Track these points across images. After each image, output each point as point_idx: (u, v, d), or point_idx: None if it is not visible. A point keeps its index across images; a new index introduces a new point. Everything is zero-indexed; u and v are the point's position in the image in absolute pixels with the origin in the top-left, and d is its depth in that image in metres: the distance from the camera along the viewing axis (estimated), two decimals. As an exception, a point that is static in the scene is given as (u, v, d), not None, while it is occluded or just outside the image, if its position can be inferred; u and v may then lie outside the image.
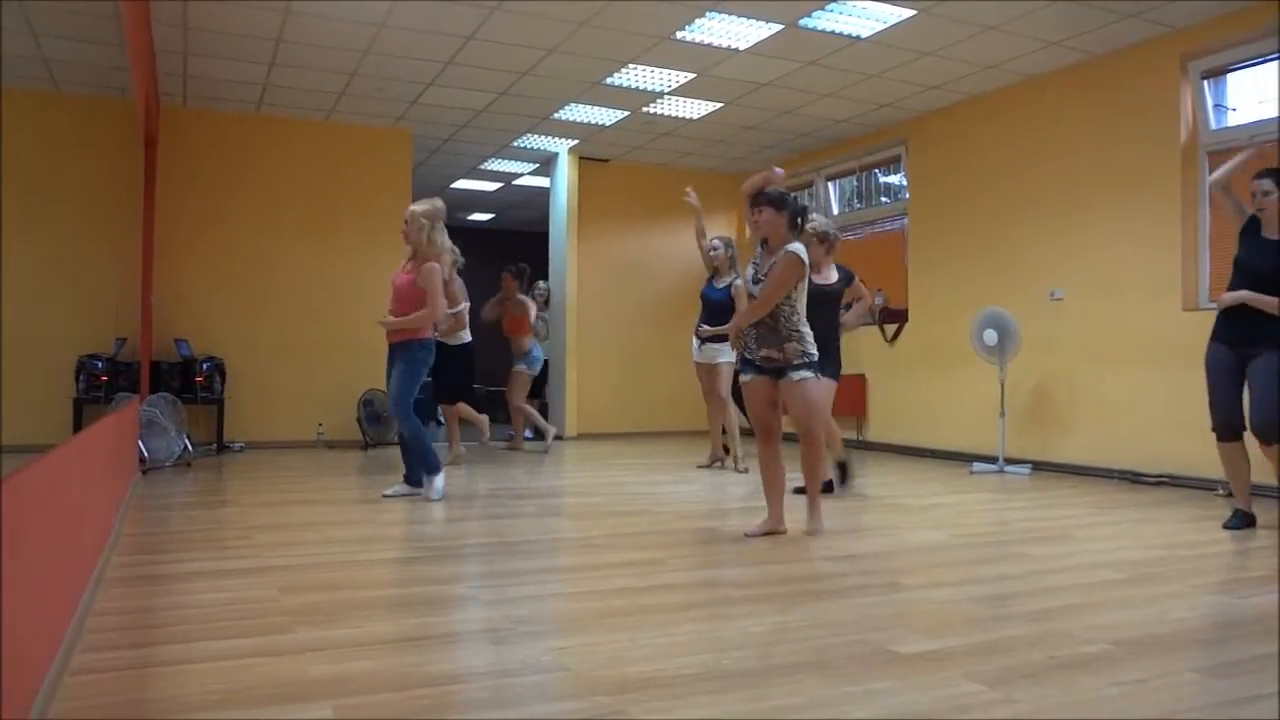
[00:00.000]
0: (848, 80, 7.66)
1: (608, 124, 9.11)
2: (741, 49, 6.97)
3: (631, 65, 7.42)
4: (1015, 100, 7.68)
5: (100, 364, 7.72)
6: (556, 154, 10.44)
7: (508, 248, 12.30)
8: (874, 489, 6.40)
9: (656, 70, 7.54)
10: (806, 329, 4.36)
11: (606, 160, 10.57)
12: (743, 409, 5.61)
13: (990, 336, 7.06)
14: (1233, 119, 6.37)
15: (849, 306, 5.95)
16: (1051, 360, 7.28)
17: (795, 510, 4.61)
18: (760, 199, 4.37)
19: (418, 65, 7.42)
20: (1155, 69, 6.58)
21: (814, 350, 4.37)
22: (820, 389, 4.95)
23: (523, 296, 8.82)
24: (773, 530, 4.39)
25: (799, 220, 4.44)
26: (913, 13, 6.21)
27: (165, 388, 7.74)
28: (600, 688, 2.28)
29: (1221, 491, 5.62)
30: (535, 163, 10.84)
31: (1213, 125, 6.41)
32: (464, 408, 7.64)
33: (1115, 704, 2.22)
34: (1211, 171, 6.24)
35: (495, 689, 2.31)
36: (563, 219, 10.46)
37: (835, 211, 10.05)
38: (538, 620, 2.99)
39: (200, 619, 2.90)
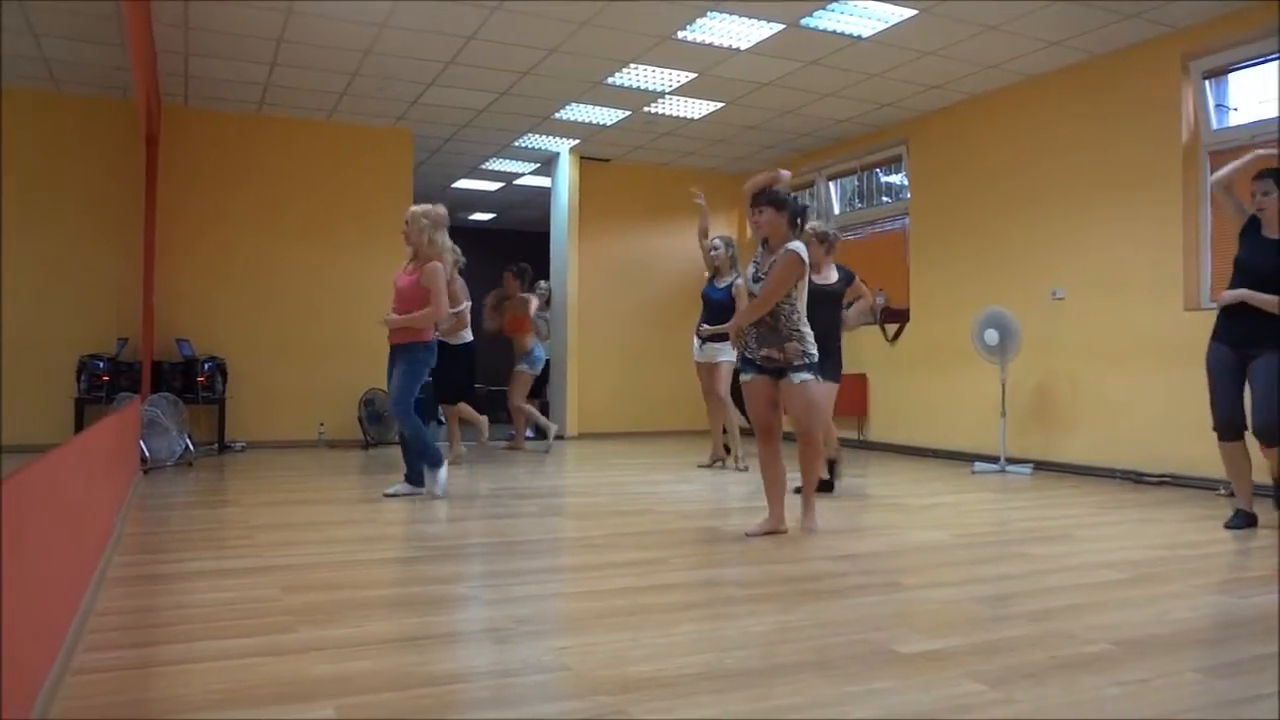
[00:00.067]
0: (849, 80, 7.66)
1: (609, 124, 9.11)
2: (743, 49, 6.97)
3: (633, 65, 7.42)
4: (1016, 100, 7.68)
5: (102, 364, 7.72)
6: (558, 154, 10.44)
7: (509, 247, 12.30)
8: (875, 489, 6.40)
9: (658, 70, 7.54)
10: (807, 328, 4.37)
11: (608, 160, 10.57)
12: (742, 410, 5.63)
13: (991, 336, 7.06)
14: (1234, 119, 6.36)
15: (850, 306, 5.96)
16: (1053, 360, 7.28)
17: (795, 510, 4.61)
18: (760, 199, 4.38)
19: (419, 65, 7.42)
20: (1156, 69, 6.58)
21: (814, 350, 4.38)
22: (821, 391, 4.96)
23: (525, 294, 8.83)
24: (774, 530, 4.39)
25: (799, 220, 4.45)
26: (914, 12, 6.21)
27: (167, 387, 7.74)
28: (602, 687, 2.28)
29: (1223, 491, 5.62)
30: (536, 162, 10.84)
31: (1214, 125, 6.41)
32: (465, 408, 7.64)
33: (1117, 704, 2.22)
34: (1213, 171, 6.25)
35: (497, 688, 2.31)
36: (564, 219, 10.46)
37: (836, 211, 10.05)
38: (539, 620, 2.99)
39: (202, 618, 2.90)
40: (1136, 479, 6.55)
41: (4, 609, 1.65)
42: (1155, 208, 6.60)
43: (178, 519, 4.97)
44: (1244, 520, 4.65)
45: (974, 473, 7.11)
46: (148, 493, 5.75)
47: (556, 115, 8.85)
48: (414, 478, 5.63)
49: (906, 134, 8.85)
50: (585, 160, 10.42)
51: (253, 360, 8.69)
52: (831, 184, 10.10)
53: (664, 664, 2.47)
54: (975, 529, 4.78)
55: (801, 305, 4.36)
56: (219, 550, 4.04)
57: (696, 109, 8.61)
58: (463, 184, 11.98)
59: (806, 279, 4.39)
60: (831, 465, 5.91)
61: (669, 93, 8.13)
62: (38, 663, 2.05)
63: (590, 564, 3.91)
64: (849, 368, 6.13)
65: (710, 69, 7.47)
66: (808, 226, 5.15)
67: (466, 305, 7.21)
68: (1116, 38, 6.59)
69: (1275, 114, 5.95)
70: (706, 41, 6.85)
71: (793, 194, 4.59)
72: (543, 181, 11.35)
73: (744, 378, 4.49)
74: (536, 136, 9.68)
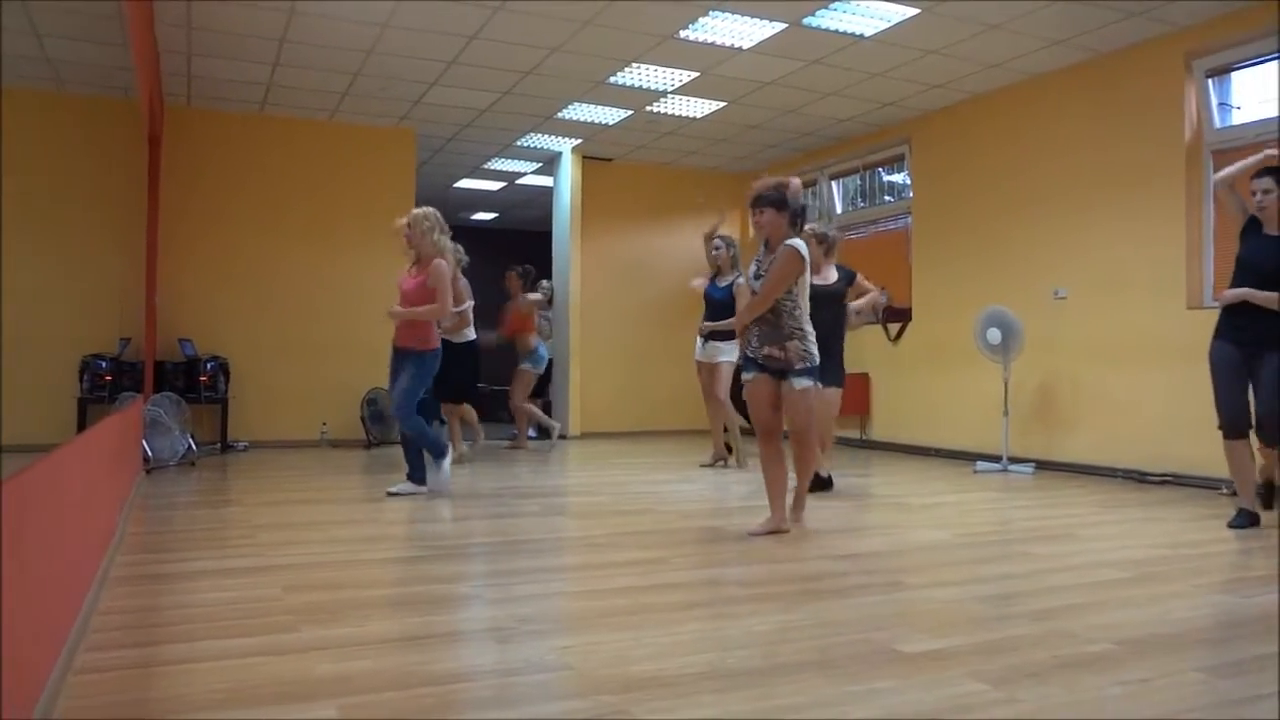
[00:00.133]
0: (851, 79, 7.65)
1: (611, 123, 9.11)
2: (745, 48, 6.97)
3: (635, 64, 7.41)
4: (1019, 99, 7.67)
5: (104, 364, 7.73)
6: (560, 153, 10.44)
7: (511, 247, 12.33)
8: (877, 488, 6.40)
9: (660, 69, 7.54)
10: (809, 327, 4.39)
11: (610, 159, 10.56)
12: (743, 412, 5.65)
13: (994, 335, 7.06)
14: (1237, 117, 6.35)
15: (857, 311, 5.96)
16: (1055, 359, 7.27)
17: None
18: (761, 200, 4.42)
19: (421, 65, 7.42)
20: (1159, 68, 6.57)
21: (815, 350, 4.39)
22: (825, 398, 5.02)
23: (525, 295, 8.83)
24: (776, 529, 4.39)
25: (799, 220, 4.48)
26: (916, 11, 6.21)
27: (169, 387, 7.75)
28: (604, 687, 2.29)
29: (1226, 491, 5.61)
30: (539, 162, 10.84)
31: (1217, 124, 6.40)
32: (467, 409, 7.63)
33: (1119, 703, 2.22)
34: (1216, 170, 6.25)
35: (499, 688, 2.31)
36: (566, 218, 10.46)
37: (839, 210, 10.04)
38: (541, 619, 2.99)
39: (204, 618, 2.91)
40: (1139, 478, 6.55)
41: (6, 608, 1.66)
42: (1158, 207, 6.59)
43: (180, 518, 4.97)
44: (1247, 519, 4.65)
45: (976, 472, 7.10)
46: (150, 492, 5.76)
47: (559, 115, 8.85)
48: (416, 477, 5.64)
49: (909, 133, 8.85)
50: (587, 160, 10.42)
51: (255, 360, 8.70)
52: (834, 183, 10.09)
53: (666, 663, 2.47)
54: (977, 528, 4.78)
55: (803, 303, 4.38)
56: (221, 550, 4.04)
57: (699, 108, 8.60)
58: (465, 183, 11.99)
59: (808, 276, 4.40)
60: (822, 480, 5.91)
61: (671, 92, 8.13)
62: (40, 662, 2.05)
63: (592, 563, 3.91)
64: (851, 367, 6.14)
65: (712, 68, 7.46)
66: (806, 227, 5.18)
67: (470, 304, 7.23)
68: (1119, 37, 6.58)
69: (1277, 113, 5.94)
70: (709, 41, 6.84)
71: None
72: (545, 181, 11.36)
73: (746, 377, 4.50)
74: (539, 136, 9.69)
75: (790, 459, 4.54)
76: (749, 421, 4.76)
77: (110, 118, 8.13)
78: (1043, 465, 7.20)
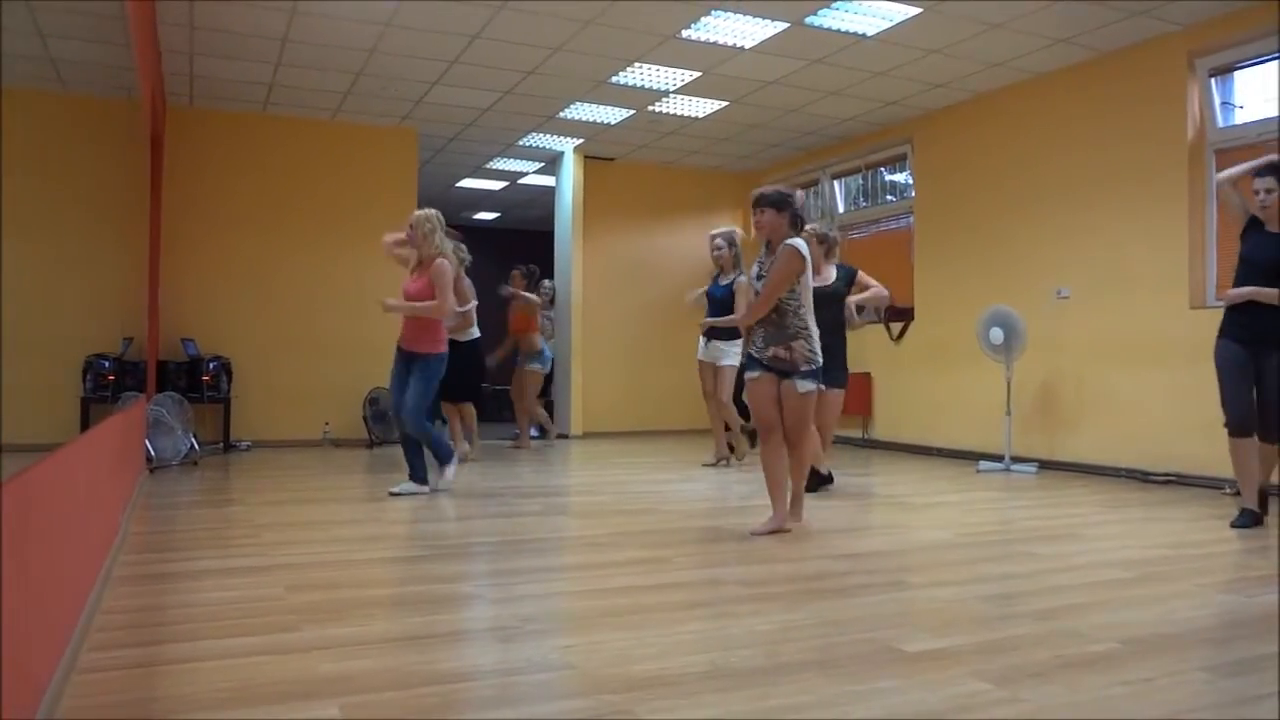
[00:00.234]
0: (853, 78, 7.65)
1: (613, 123, 9.11)
2: (747, 47, 6.96)
3: (637, 64, 7.41)
4: (1021, 98, 7.66)
5: (107, 363, 7.73)
6: (562, 153, 10.44)
7: (513, 247, 12.34)
8: (880, 487, 6.40)
9: (662, 69, 7.53)
10: (814, 327, 4.41)
11: (612, 159, 10.56)
12: (744, 414, 5.67)
13: (996, 335, 7.05)
14: (1240, 116, 6.35)
15: (859, 308, 5.96)
16: (1058, 358, 7.26)
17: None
18: (762, 200, 4.46)
19: (423, 64, 7.42)
20: (1162, 67, 6.56)
21: (819, 351, 4.41)
22: (828, 399, 5.02)
23: (524, 294, 8.82)
24: (778, 528, 4.40)
25: (800, 221, 4.50)
26: (919, 10, 6.20)
27: (172, 387, 7.76)
28: (606, 686, 2.29)
29: (1229, 490, 5.61)
30: (541, 161, 10.84)
31: (1220, 123, 6.39)
32: (469, 411, 7.62)
33: (1122, 703, 2.22)
34: (1219, 169, 6.24)
35: (501, 687, 2.31)
36: (568, 218, 10.47)
37: (841, 210, 10.04)
38: (544, 618, 2.99)
39: (207, 617, 2.91)
40: (1142, 478, 6.54)
41: (10, 608, 1.66)
42: (1160, 206, 6.58)
43: (183, 518, 4.98)
44: (1250, 519, 4.64)
45: (979, 471, 7.10)
46: (153, 492, 5.77)
47: (561, 114, 8.85)
48: (418, 477, 5.64)
49: (911, 132, 8.84)
50: (589, 159, 10.42)
51: (258, 359, 8.71)
52: (836, 182, 10.08)
53: (668, 663, 2.47)
54: (980, 528, 4.77)
55: (807, 302, 4.39)
56: (224, 549, 4.05)
57: (701, 108, 8.60)
58: (467, 183, 11.99)
59: (809, 275, 4.41)
60: (815, 473, 5.91)
61: (673, 92, 8.12)
62: (43, 662, 2.06)
63: (594, 563, 3.91)
64: (853, 366, 6.13)
65: (714, 68, 7.46)
66: (807, 227, 5.18)
67: (474, 304, 7.24)
68: (1122, 35, 6.57)
69: (1277, 113, 5.94)
70: (711, 40, 6.84)
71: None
72: (547, 180, 11.36)
73: (750, 375, 4.51)
74: (541, 135, 9.69)
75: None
76: (748, 423, 4.77)
77: (112, 118, 8.13)
78: (1045, 465, 7.19)
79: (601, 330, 10.50)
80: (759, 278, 4.44)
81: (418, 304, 5.50)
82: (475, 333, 7.32)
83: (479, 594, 3.37)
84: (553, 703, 2.23)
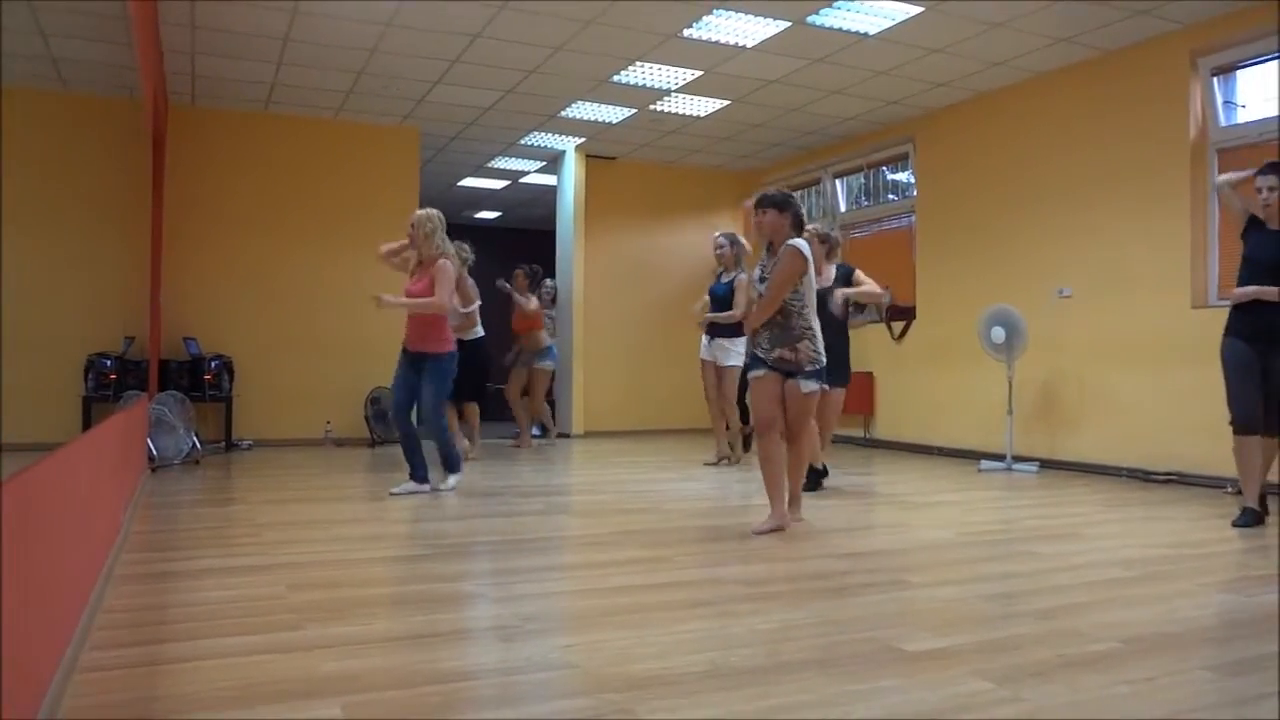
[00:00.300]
0: (855, 77, 7.65)
1: (615, 122, 9.11)
2: (749, 46, 6.96)
3: (639, 63, 7.41)
4: (1023, 97, 7.65)
5: (109, 362, 7.75)
6: (563, 152, 10.45)
7: (514, 246, 12.34)
8: (881, 486, 6.40)
9: (663, 68, 7.53)
10: (817, 327, 4.44)
11: (613, 158, 10.56)
12: (745, 418, 5.68)
13: (998, 334, 7.05)
14: (1242, 115, 6.34)
15: (862, 307, 5.97)
16: (1059, 358, 7.26)
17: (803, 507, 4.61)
18: (764, 201, 4.49)
19: (425, 64, 7.43)
20: (1164, 66, 6.56)
21: (823, 351, 4.43)
22: (828, 400, 5.02)
23: (528, 295, 8.82)
24: (778, 526, 4.40)
25: (801, 222, 4.51)
26: (920, 9, 6.20)
27: (174, 386, 7.77)
28: (608, 685, 2.29)
29: (1230, 489, 5.60)
30: (542, 160, 10.84)
31: (1222, 122, 6.39)
32: (472, 410, 7.62)
33: (1124, 702, 2.21)
34: (1221, 169, 6.25)
35: (503, 686, 2.31)
36: (570, 217, 10.47)
37: (842, 209, 10.03)
38: (545, 617, 2.99)
39: (209, 616, 2.91)
40: (1143, 477, 6.54)
41: (11, 607, 1.66)
42: (1162, 205, 6.58)
43: (185, 517, 4.98)
44: (1252, 518, 4.64)
45: (980, 471, 7.10)
46: (155, 490, 5.77)
47: (562, 113, 8.85)
48: (418, 475, 5.64)
49: (913, 131, 8.83)
50: (591, 158, 10.43)
51: (259, 358, 8.71)
52: (838, 182, 10.08)
53: (669, 662, 2.47)
54: (981, 527, 4.77)
55: (811, 301, 4.41)
56: (226, 548, 4.05)
57: (702, 107, 8.60)
58: (469, 182, 11.99)
59: (812, 275, 4.42)
60: (813, 471, 5.92)
61: (675, 90, 8.12)
62: (44, 660, 2.06)
63: (595, 562, 3.92)
64: (855, 365, 6.14)
65: (716, 67, 7.46)
66: (808, 227, 5.20)
67: (477, 304, 7.24)
68: (1124, 35, 6.57)
69: (1277, 113, 5.95)
70: (712, 39, 6.84)
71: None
72: (549, 179, 11.36)
73: (753, 373, 4.52)
74: (542, 134, 9.69)
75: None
76: (747, 426, 4.78)
77: (114, 117, 8.15)
78: (1047, 464, 7.19)
79: (603, 329, 10.51)
80: (761, 280, 4.45)
81: (415, 300, 5.50)
82: (479, 331, 7.33)
83: (480, 593, 3.37)
84: (554, 702, 2.23)
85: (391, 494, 5.58)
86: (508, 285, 8.81)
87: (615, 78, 7.77)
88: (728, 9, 6.29)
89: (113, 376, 7.71)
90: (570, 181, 10.43)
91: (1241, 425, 4.66)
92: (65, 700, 2.14)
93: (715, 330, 7.18)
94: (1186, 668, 2.47)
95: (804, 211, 4.66)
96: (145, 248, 7.58)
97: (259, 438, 8.64)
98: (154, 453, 6.75)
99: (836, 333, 5.53)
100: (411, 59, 7.32)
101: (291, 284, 8.94)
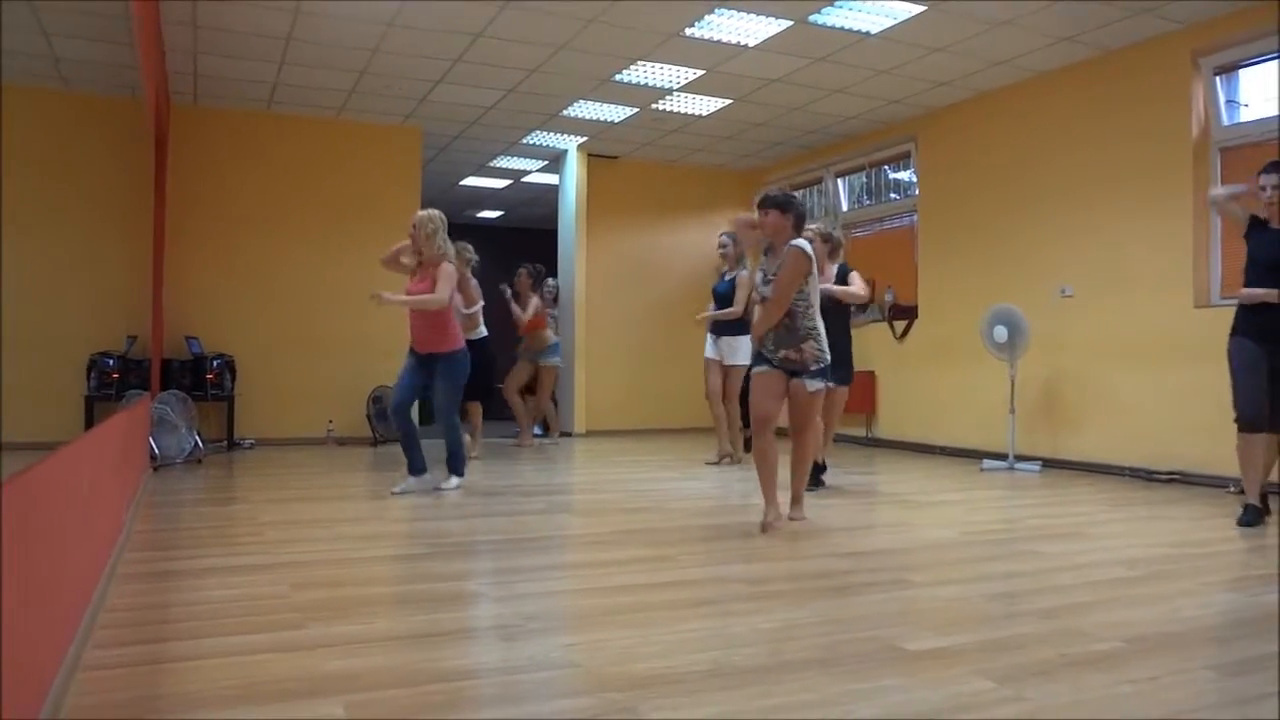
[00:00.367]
0: (857, 76, 7.64)
1: (617, 121, 9.10)
2: (751, 45, 6.96)
3: (640, 62, 7.41)
4: (1025, 96, 7.65)
5: (111, 361, 7.76)
6: (565, 151, 10.45)
7: (517, 245, 12.33)
8: (883, 486, 6.40)
9: (665, 67, 7.53)
10: (821, 326, 4.45)
11: (615, 157, 10.56)
12: (745, 420, 5.68)
13: (1000, 333, 7.04)
14: (1245, 115, 6.33)
15: (864, 307, 5.97)
16: (1062, 357, 7.25)
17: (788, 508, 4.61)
18: (767, 201, 4.49)
19: (427, 63, 7.43)
20: (1167, 65, 6.55)
21: (828, 350, 4.45)
22: (831, 398, 5.02)
23: (527, 298, 8.81)
24: (774, 521, 4.40)
25: (803, 223, 4.53)
26: (923, 8, 6.19)
27: (176, 385, 7.77)
28: (610, 684, 2.29)
29: (1233, 489, 5.60)
30: (544, 160, 10.84)
31: (1224, 121, 6.38)
32: (475, 409, 7.61)
33: (1127, 701, 2.21)
34: (1222, 168, 6.25)
35: (505, 685, 2.32)
36: (571, 216, 10.47)
37: (844, 208, 10.03)
38: (548, 616, 3.00)
39: (211, 615, 2.91)
40: (1146, 476, 6.53)
41: (14, 606, 1.66)
42: (1165, 204, 6.57)
43: (187, 516, 4.98)
44: (1254, 516, 4.64)
45: (982, 470, 7.09)
46: (157, 489, 5.77)
47: (564, 112, 8.85)
48: (416, 469, 5.64)
49: (915, 130, 8.83)
50: (593, 157, 10.43)
51: (261, 358, 8.72)
52: (840, 181, 10.07)
53: (672, 661, 2.47)
54: (984, 526, 4.77)
55: (815, 302, 4.42)
56: (228, 547, 4.05)
57: (704, 106, 8.60)
58: (471, 181, 11.99)
59: (816, 275, 4.42)
60: (814, 466, 5.93)
61: (677, 90, 8.12)
62: (47, 659, 2.06)
63: (598, 561, 3.92)
64: (857, 364, 6.14)
65: (718, 66, 7.46)
66: (811, 227, 5.20)
67: (480, 305, 7.24)
68: (1126, 34, 6.56)
69: (1277, 113, 5.95)
70: (714, 38, 6.84)
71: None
72: (551, 179, 11.36)
73: (756, 370, 4.52)
74: (544, 134, 9.69)
75: (788, 459, 4.57)
76: (747, 428, 4.78)
77: (116, 116, 8.16)
78: (1049, 463, 7.18)
79: (605, 328, 10.51)
80: (765, 283, 4.44)
81: (414, 297, 5.49)
82: (482, 331, 7.33)
83: (483, 592, 3.37)
84: (556, 701, 2.23)
85: (393, 493, 5.58)
86: (509, 291, 8.81)
87: (617, 77, 7.77)
88: (729, 8, 6.29)
89: (115, 375, 7.72)
90: (572, 181, 10.43)
91: (1248, 423, 4.66)
92: (68, 699, 2.14)
93: (721, 328, 7.19)
94: (1189, 667, 2.47)
95: (806, 212, 4.67)
96: (147, 247, 7.58)
97: (261, 437, 8.65)
98: (156, 452, 6.76)
99: (839, 331, 5.54)
100: (413, 58, 7.32)
101: (294, 283, 8.95)
